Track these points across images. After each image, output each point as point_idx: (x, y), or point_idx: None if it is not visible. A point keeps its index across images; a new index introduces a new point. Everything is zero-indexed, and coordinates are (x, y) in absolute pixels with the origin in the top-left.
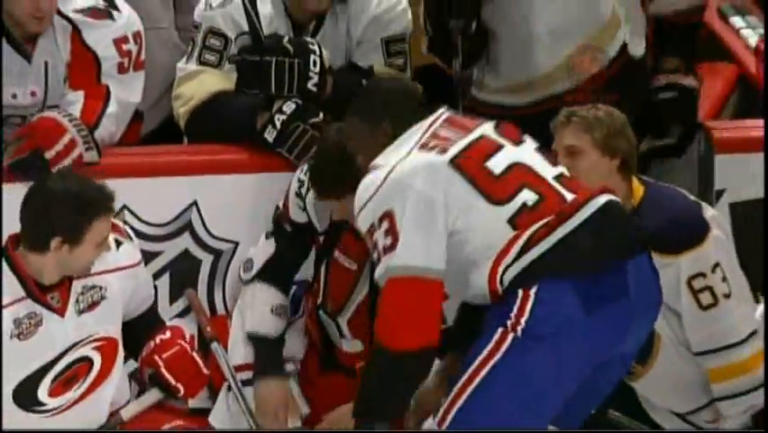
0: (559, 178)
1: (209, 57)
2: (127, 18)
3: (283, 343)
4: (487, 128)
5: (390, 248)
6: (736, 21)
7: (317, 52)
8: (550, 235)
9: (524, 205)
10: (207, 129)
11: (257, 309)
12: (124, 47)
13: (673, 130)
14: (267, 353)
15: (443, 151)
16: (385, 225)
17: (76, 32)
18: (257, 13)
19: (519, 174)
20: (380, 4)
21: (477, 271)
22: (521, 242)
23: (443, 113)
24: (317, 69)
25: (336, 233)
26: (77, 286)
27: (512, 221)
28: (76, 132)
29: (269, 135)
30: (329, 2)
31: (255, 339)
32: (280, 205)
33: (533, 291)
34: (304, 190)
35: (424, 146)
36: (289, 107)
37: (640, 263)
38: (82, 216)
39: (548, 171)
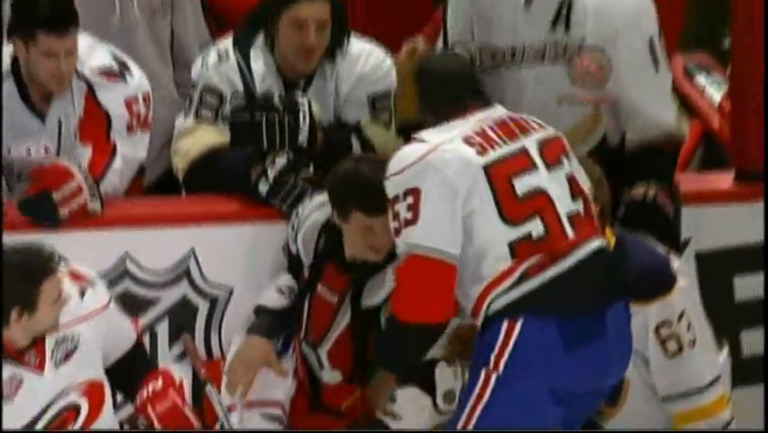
0: (572, 216)
1: (206, 113)
2: (139, 80)
3: (281, 318)
4: (531, 141)
5: (410, 222)
6: (701, 79)
7: (307, 109)
8: (541, 273)
9: (529, 234)
10: (204, 181)
11: (268, 289)
12: (134, 107)
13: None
14: (262, 320)
15: (483, 152)
16: (410, 199)
17: (90, 90)
18: (251, 72)
19: (538, 202)
20: (367, 63)
21: (462, 288)
22: (515, 275)
23: (498, 111)
24: (307, 125)
25: (320, 267)
26: (50, 341)
27: (512, 246)
28: (83, 179)
29: (263, 188)
30: (318, 62)
31: (257, 310)
32: None
33: (518, 324)
34: (296, 223)
35: (468, 139)
36: (281, 161)
37: (618, 309)
38: (30, 285)
39: (565, 206)
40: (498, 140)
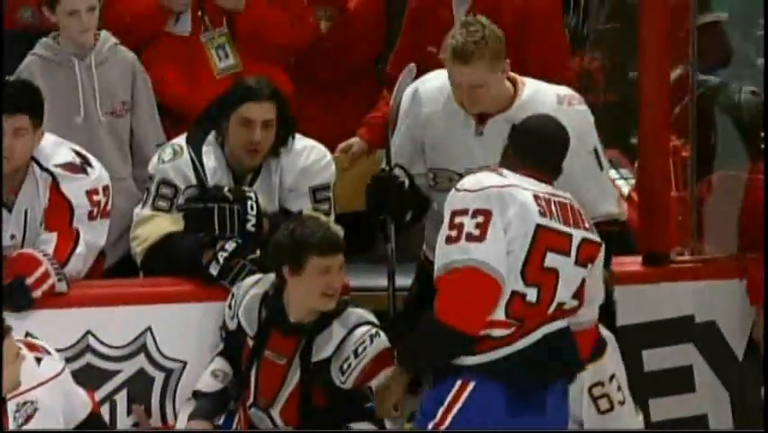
0: (562, 304)
1: (161, 204)
2: (99, 173)
3: (217, 399)
4: (578, 234)
5: (476, 239)
6: (612, 173)
7: (254, 199)
8: (511, 345)
9: (525, 295)
10: (160, 265)
11: (203, 374)
12: (95, 198)
13: None
14: (201, 403)
15: (543, 215)
16: (479, 218)
17: (54, 182)
18: (203, 166)
19: (549, 279)
20: (308, 158)
21: None
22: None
23: (565, 194)
24: (254, 213)
25: (265, 335)
26: (11, 405)
27: (511, 296)
28: (49, 265)
29: (214, 270)
30: (262, 159)
31: (195, 394)
32: None
33: (471, 385)
34: (234, 302)
35: (537, 197)
36: (231, 246)
37: (558, 386)
38: None
39: (563, 295)
40: (557, 215)
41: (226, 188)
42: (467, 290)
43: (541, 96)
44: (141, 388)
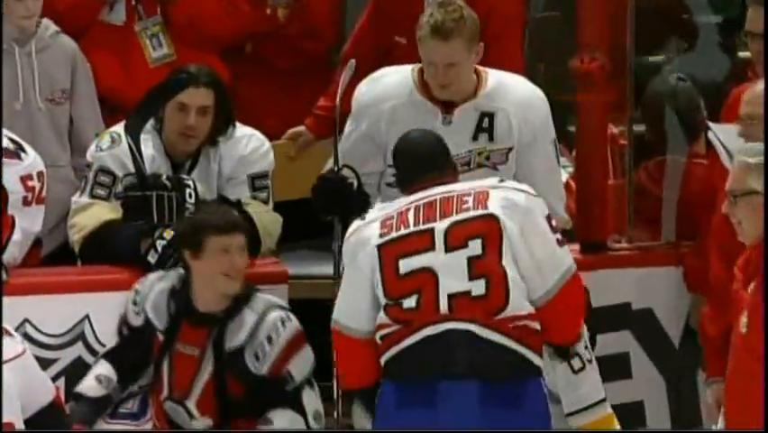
0: (456, 295)
1: (99, 192)
2: (33, 159)
3: (98, 405)
4: (444, 224)
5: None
6: None
7: (192, 187)
8: (398, 344)
9: (399, 305)
10: (98, 253)
11: (87, 377)
12: (29, 183)
13: None
14: (80, 407)
15: (385, 233)
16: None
17: None
18: (141, 154)
19: (420, 281)
20: (247, 146)
21: None
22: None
23: (436, 190)
24: (193, 201)
25: (174, 328)
26: None
27: (385, 307)
28: None
29: (152, 258)
30: (202, 145)
31: (75, 396)
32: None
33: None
34: (140, 298)
35: (384, 221)
36: (169, 234)
37: (464, 388)
38: None
39: (452, 286)
40: (412, 220)
41: (164, 176)
42: (337, 351)
43: (509, 80)
44: (79, 375)
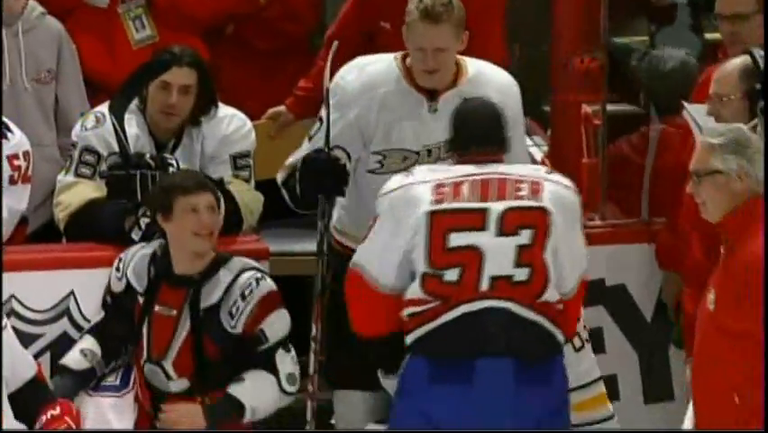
0: (499, 278)
1: (84, 170)
2: (19, 138)
3: (81, 378)
4: (498, 206)
5: (363, 240)
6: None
7: (176, 166)
8: (430, 322)
9: (440, 276)
10: (83, 230)
11: (72, 349)
12: (15, 162)
13: None
14: (65, 380)
15: (439, 201)
16: (370, 221)
17: None
18: (125, 134)
19: (467, 256)
20: (229, 126)
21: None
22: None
23: (496, 169)
24: None
25: (154, 289)
26: None
27: (423, 277)
28: None
29: (136, 235)
30: (185, 125)
31: (60, 369)
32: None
33: (405, 361)
34: (123, 264)
35: (438, 186)
36: None
37: (500, 366)
38: None
39: (496, 269)
40: (467, 195)
41: (148, 155)
42: (352, 295)
43: (487, 68)
44: (64, 351)
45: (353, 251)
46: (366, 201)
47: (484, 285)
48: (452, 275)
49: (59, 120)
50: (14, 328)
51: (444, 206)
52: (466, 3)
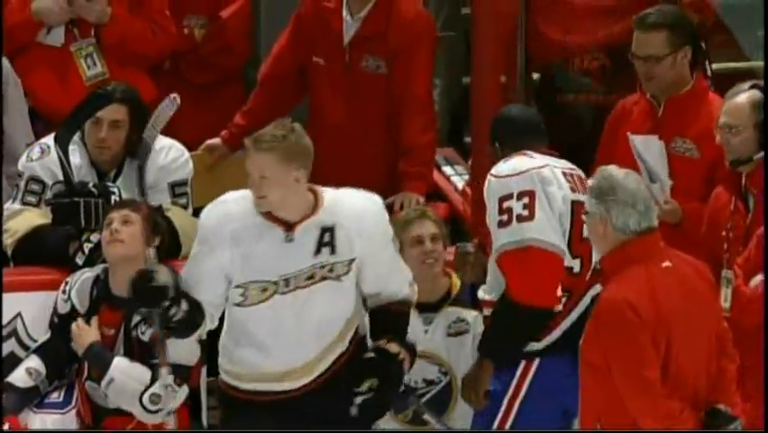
0: (594, 270)
1: (30, 199)
2: None
3: (26, 395)
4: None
5: (526, 219)
6: (447, 169)
7: (117, 194)
8: (564, 320)
9: (571, 268)
10: (30, 255)
11: (19, 368)
12: None
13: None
14: (9, 397)
15: (574, 190)
16: (525, 200)
17: None
18: (69, 164)
19: (587, 248)
20: (167, 156)
21: None
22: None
23: (566, 167)
24: None
25: (95, 310)
26: None
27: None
28: None
29: (80, 260)
30: (111, 156)
31: (6, 386)
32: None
33: (534, 365)
34: (69, 287)
35: (565, 175)
36: (96, 237)
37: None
38: None
39: (595, 260)
40: (579, 187)
41: (91, 184)
42: (532, 268)
43: (347, 197)
44: (10, 369)
45: (241, 391)
46: (237, 337)
47: (588, 276)
48: (576, 266)
49: (6, 151)
50: None
51: (579, 196)
52: (398, 29)
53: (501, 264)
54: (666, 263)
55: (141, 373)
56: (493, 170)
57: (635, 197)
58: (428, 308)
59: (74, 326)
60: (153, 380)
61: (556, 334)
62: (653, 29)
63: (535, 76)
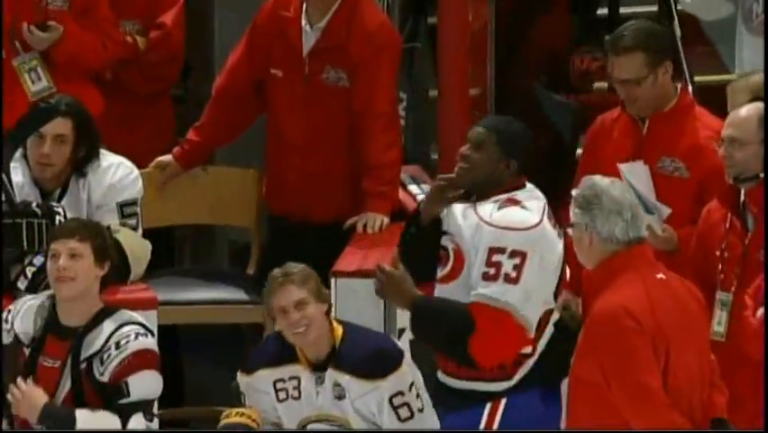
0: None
1: None
2: None
3: None
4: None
5: (512, 281)
6: (413, 188)
7: (62, 214)
8: (532, 356)
9: (551, 310)
10: None
11: None
12: None
13: None
14: None
15: (560, 236)
16: (516, 260)
17: None
18: (11, 183)
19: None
20: (115, 174)
21: None
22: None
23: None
24: None
25: (41, 341)
26: None
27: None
28: None
29: (22, 284)
30: (54, 173)
31: None
32: None
33: (502, 404)
34: (10, 317)
35: (550, 218)
36: (39, 260)
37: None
38: None
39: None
40: (557, 228)
41: (34, 204)
42: (500, 334)
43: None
44: None
45: None
46: None
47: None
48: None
49: None
50: None
51: (560, 244)
52: (356, 45)
53: (474, 310)
54: (660, 275)
55: (110, 420)
56: (486, 215)
57: (621, 204)
58: (318, 368)
59: (15, 391)
60: (123, 419)
61: (524, 371)
62: (627, 52)
63: None
